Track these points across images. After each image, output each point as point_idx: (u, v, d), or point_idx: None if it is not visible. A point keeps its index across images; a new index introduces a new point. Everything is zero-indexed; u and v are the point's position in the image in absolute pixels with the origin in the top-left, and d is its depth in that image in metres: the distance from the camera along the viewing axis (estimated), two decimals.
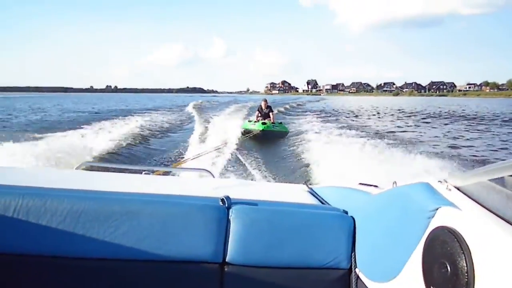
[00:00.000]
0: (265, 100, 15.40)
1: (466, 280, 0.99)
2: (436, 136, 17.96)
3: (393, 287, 1.30)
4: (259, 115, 14.95)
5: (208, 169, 2.95)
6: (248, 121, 15.65)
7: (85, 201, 1.45)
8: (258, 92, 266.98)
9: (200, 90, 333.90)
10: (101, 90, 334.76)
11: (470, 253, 1.01)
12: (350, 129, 16.91)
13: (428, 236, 1.17)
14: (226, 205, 1.54)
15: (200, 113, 25.03)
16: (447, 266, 1.06)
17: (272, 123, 14.36)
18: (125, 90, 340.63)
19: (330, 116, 30.36)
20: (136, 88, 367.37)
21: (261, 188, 2.52)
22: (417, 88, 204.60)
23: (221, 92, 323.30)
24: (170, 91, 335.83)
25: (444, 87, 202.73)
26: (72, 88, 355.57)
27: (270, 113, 14.89)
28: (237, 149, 10.80)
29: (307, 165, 8.58)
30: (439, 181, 1.28)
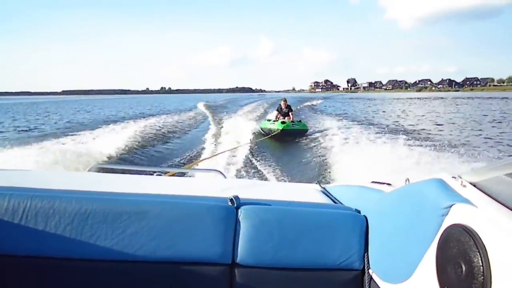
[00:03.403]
0: (285, 100, 15.90)
1: (482, 280, 0.99)
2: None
3: None
4: (278, 114, 15.40)
5: (221, 169, 3.20)
6: (267, 120, 16.04)
7: (93, 202, 1.50)
8: (304, 90, 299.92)
9: (249, 90, 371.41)
10: (156, 92, 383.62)
11: (486, 252, 1.01)
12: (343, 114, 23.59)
13: (442, 234, 1.18)
14: (235, 205, 1.58)
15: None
16: (462, 266, 1.07)
17: (292, 121, 14.76)
18: (178, 91, 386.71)
19: (331, 100, 61.87)
20: (189, 89, 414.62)
21: (272, 188, 2.63)
22: (450, 84, 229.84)
23: (269, 91, 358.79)
24: (220, 91, 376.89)
25: (478, 82, 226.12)
26: (129, 90, 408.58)
27: (290, 113, 15.33)
28: (252, 149, 11.02)
29: (322, 164, 8.95)
30: (453, 177, 1.28)
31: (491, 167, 1.16)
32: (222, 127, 16.35)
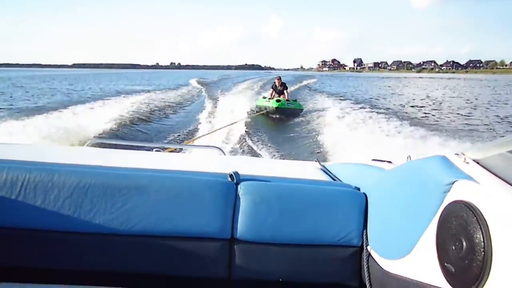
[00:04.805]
0: (279, 78, 15.91)
1: (482, 255, 1.01)
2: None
3: (406, 265, 1.34)
4: (273, 92, 15.38)
5: (220, 146, 3.23)
6: (263, 97, 16.00)
7: (92, 176, 1.52)
8: (312, 68, 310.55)
9: (258, 67, 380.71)
10: (166, 67, 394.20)
11: (488, 227, 1.02)
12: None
13: (443, 211, 1.19)
14: (235, 181, 1.61)
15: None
16: (462, 242, 1.08)
17: (287, 100, 14.78)
18: (187, 67, 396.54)
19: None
20: (198, 65, 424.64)
21: (272, 165, 2.71)
22: (454, 66, 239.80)
23: (278, 69, 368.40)
24: (229, 67, 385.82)
25: (481, 65, 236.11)
26: (139, 64, 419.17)
27: (285, 91, 15.36)
28: (249, 127, 11.06)
29: (319, 142, 9.17)
30: (456, 154, 1.29)
31: (494, 144, 1.18)
32: (217, 104, 16.91)
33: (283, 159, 7.67)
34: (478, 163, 1.21)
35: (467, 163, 1.22)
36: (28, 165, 1.54)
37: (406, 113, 16.54)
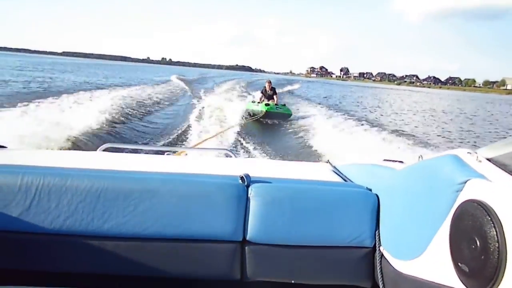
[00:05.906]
0: (269, 82, 16.13)
1: (497, 255, 1.00)
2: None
3: (419, 265, 1.34)
4: (263, 96, 15.59)
5: (229, 149, 3.33)
6: (252, 101, 16.29)
7: (104, 180, 1.55)
8: (301, 74, 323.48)
9: (248, 69, 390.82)
10: (157, 62, 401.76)
11: (502, 226, 1.01)
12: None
13: (456, 210, 1.18)
14: (246, 183, 1.62)
15: None
16: (476, 241, 1.07)
17: (276, 104, 15.04)
18: (178, 63, 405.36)
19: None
20: (189, 62, 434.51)
21: (282, 166, 2.68)
22: (434, 82, 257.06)
23: (268, 72, 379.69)
24: (220, 67, 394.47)
25: (459, 82, 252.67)
26: (130, 57, 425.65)
27: (274, 95, 15.64)
28: (242, 132, 11.25)
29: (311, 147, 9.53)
30: (468, 153, 1.29)
31: (506, 142, 1.19)
32: (206, 106, 16.62)
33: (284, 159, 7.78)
34: (491, 161, 1.21)
35: (480, 161, 1.22)
36: (42, 170, 1.58)
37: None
